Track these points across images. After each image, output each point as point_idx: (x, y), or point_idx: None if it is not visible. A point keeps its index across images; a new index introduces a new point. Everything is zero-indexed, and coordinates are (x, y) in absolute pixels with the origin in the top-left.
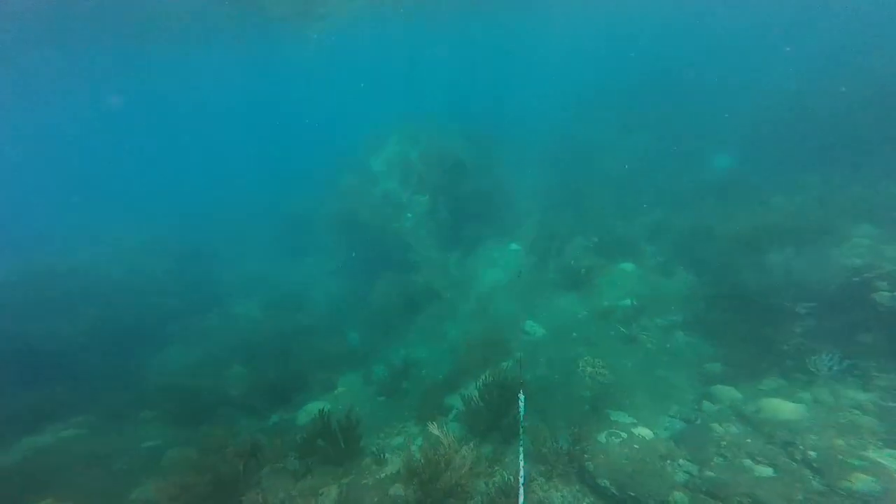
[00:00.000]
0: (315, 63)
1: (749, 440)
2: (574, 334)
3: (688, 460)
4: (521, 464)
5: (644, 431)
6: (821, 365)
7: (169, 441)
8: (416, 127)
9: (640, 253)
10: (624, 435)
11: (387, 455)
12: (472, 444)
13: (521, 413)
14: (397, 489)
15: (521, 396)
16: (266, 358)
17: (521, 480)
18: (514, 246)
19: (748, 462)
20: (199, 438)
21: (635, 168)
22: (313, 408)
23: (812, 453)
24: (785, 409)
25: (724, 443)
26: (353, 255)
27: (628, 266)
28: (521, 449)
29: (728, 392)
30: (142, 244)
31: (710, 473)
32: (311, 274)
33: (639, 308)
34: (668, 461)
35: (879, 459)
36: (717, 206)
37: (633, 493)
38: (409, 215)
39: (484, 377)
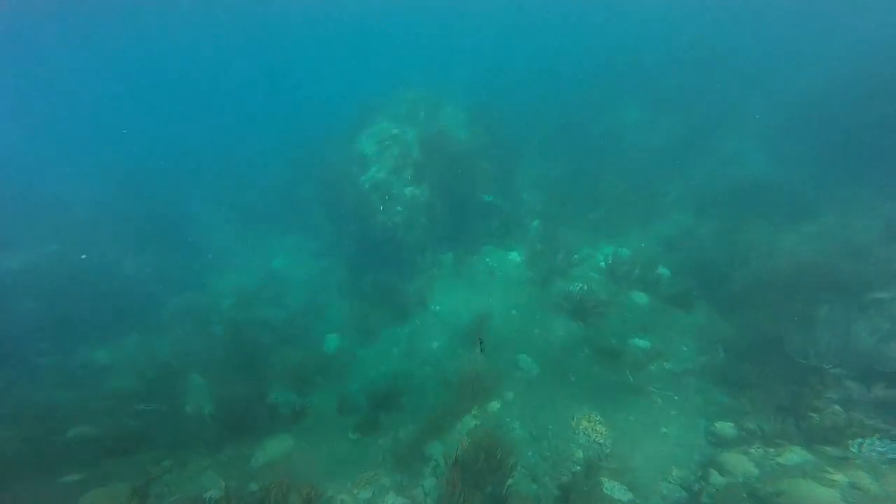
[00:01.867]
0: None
1: None
2: (572, 378)
3: None
4: None
5: None
6: (867, 448)
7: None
8: (418, 98)
9: (655, 281)
10: None
11: None
12: None
13: None
14: None
15: None
16: (229, 365)
17: None
18: (514, 256)
19: None
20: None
21: (659, 159)
22: (274, 447)
23: None
24: (814, 497)
25: None
26: (339, 240)
27: (641, 298)
28: None
29: (742, 465)
30: (100, 208)
31: None
32: (293, 254)
33: (650, 352)
34: None
35: None
36: (752, 221)
37: None
38: (400, 209)
39: (464, 440)
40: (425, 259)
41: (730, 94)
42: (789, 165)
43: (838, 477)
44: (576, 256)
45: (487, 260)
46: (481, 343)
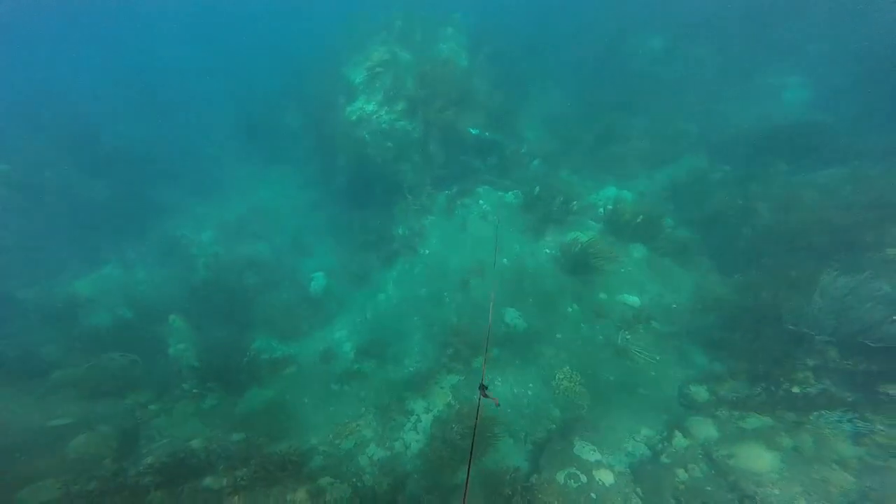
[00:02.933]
0: None
1: (709, 488)
2: (558, 335)
3: (640, 500)
4: None
5: (605, 476)
6: (824, 418)
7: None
8: (415, 18)
9: (656, 232)
10: (584, 479)
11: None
12: None
13: None
14: None
15: None
16: (212, 307)
17: None
18: (510, 198)
19: None
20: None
21: (681, 94)
22: (256, 397)
23: None
24: (759, 459)
25: (683, 487)
26: (327, 174)
27: (639, 250)
28: None
29: (705, 429)
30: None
31: None
32: (279, 187)
33: (639, 311)
34: None
35: None
36: (776, 167)
37: None
38: (390, 144)
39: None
40: (417, 199)
41: (780, 22)
42: (833, 106)
43: (786, 441)
44: (574, 203)
45: (482, 203)
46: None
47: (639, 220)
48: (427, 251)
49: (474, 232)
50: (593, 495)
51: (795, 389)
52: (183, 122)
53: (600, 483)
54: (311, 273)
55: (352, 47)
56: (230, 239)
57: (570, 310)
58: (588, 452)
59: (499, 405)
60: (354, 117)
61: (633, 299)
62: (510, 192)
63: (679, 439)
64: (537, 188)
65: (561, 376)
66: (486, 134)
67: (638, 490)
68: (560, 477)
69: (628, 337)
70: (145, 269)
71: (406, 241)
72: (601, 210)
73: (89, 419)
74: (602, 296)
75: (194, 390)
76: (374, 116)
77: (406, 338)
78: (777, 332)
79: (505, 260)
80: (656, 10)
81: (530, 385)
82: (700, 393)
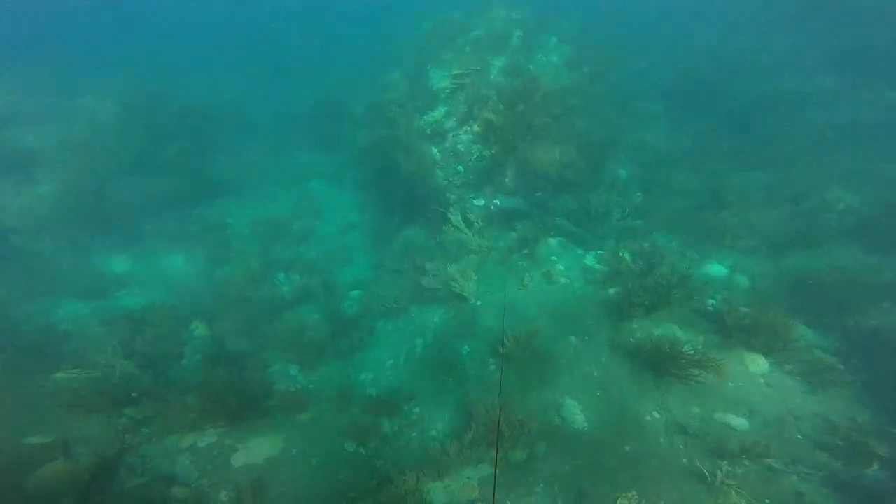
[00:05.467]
0: None
1: None
2: (627, 447)
3: None
4: None
5: None
6: None
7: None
8: (515, 20)
9: (784, 339)
10: None
11: None
12: None
13: None
14: None
15: None
16: (240, 317)
17: None
18: (589, 260)
19: None
20: None
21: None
22: (259, 445)
23: None
24: None
25: None
26: (382, 182)
27: (758, 363)
28: None
29: None
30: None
31: None
32: (330, 172)
33: (748, 440)
34: None
35: None
36: None
37: None
38: (461, 168)
39: None
40: (477, 237)
41: None
42: None
43: None
44: (674, 282)
45: (554, 259)
46: None
47: (759, 322)
48: (479, 302)
49: (537, 293)
50: None
51: None
52: (248, 94)
53: None
54: (347, 291)
55: (443, 41)
56: (269, 235)
57: (648, 418)
58: None
59: None
60: (429, 130)
61: (740, 422)
62: (591, 253)
63: None
64: (626, 255)
65: (623, 500)
66: (574, 172)
67: None
68: None
69: (728, 470)
70: (184, 253)
71: (457, 283)
72: (711, 302)
73: (69, 440)
74: (695, 409)
75: (193, 416)
76: (452, 135)
77: (437, 401)
78: None
79: (573, 338)
80: (826, 44)
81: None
82: None
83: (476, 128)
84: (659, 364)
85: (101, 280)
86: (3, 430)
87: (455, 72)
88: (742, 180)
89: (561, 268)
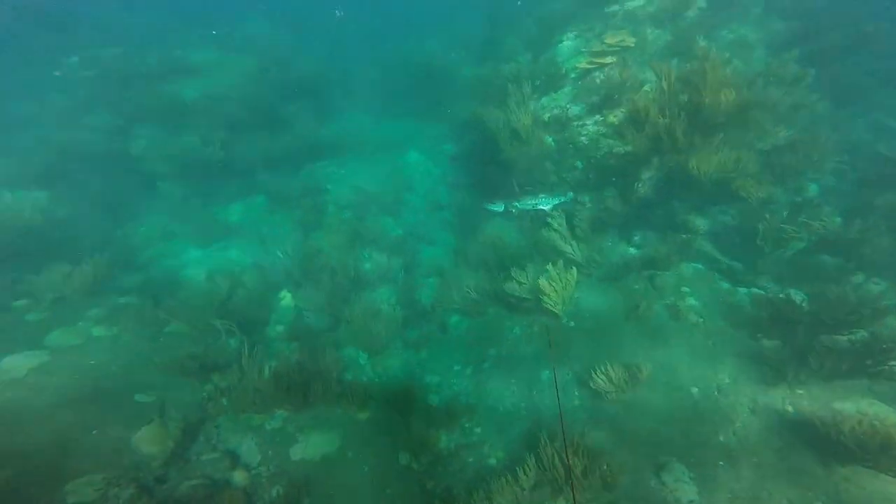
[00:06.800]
0: None
1: None
2: None
3: None
4: None
5: None
6: None
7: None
8: None
9: None
10: None
11: None
12: None
13: None
14: None
15: None
16: (325, 289)
17: None
18: (743, 297)
19: None
20: None
21: None
22: (318, 441)
23: None
24: None
25: None
26: (483, 157)
27: None
28: None
29: None
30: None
31: None
32: (427, 144)
33: None
34: None
35: None
36: None
37: None
38: (579, 164)
39: None
40: (584, 247)
41: None
42: None
43: None
44: (869, 339)
45: (686, 290)
46: None
47: None
48: (572, 323)
49: (655, 328)
50: None
51: None
52: (358, 57)
53: None
54: (425, 277)
55: (586, 7)
56: (361, 205)
57: None
58: None
59: None
60: (547, 116)
61: None
62: (743, 289)
63: None
64: (800, 297)
65: None
66: (743, 185)
67: None
68: None
69: None
70: (284, 213)
71: (549, 297)
72: None
73: (166, 401)
74: None
75: (265, 393)
76: (576, 124)
77: (503, 427)
78: None
79: (695, 389)
80: None
81: None
82: None
83: (612, 118)
84: (831, 446)
85: (217, 228)
86: (123, 384)
87: (596, 48)
88: None
89: (694, 302)
